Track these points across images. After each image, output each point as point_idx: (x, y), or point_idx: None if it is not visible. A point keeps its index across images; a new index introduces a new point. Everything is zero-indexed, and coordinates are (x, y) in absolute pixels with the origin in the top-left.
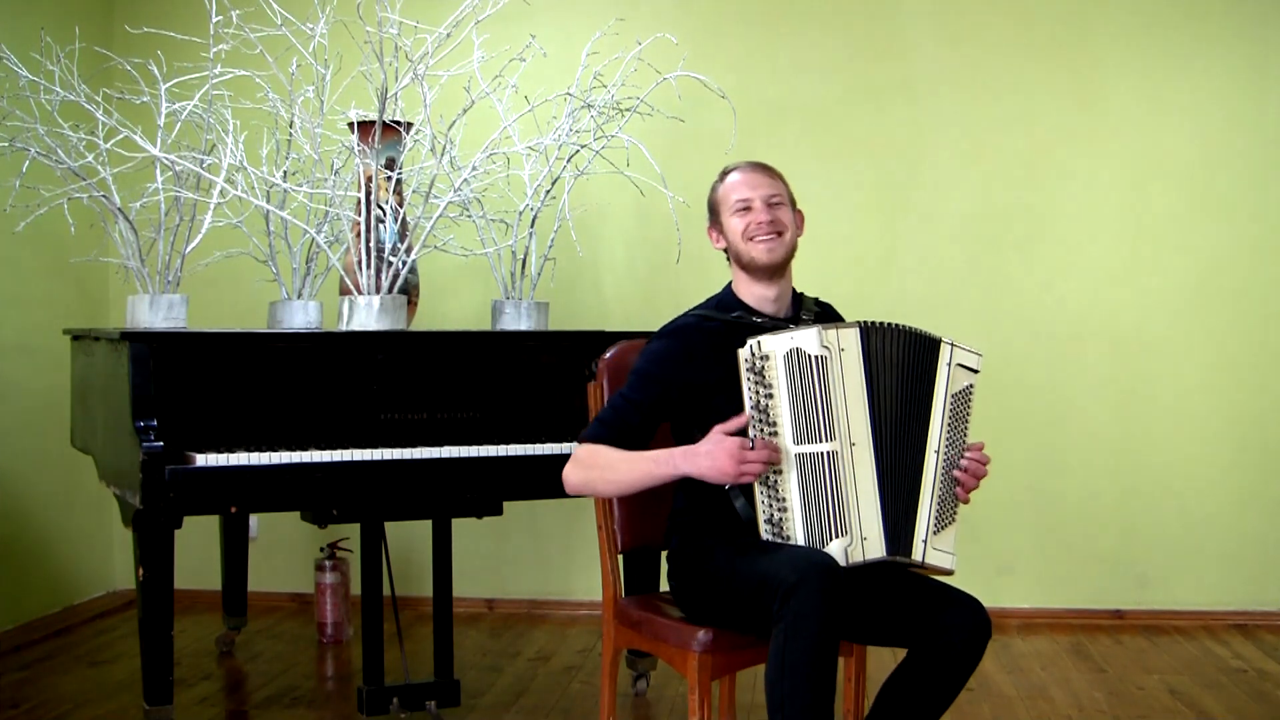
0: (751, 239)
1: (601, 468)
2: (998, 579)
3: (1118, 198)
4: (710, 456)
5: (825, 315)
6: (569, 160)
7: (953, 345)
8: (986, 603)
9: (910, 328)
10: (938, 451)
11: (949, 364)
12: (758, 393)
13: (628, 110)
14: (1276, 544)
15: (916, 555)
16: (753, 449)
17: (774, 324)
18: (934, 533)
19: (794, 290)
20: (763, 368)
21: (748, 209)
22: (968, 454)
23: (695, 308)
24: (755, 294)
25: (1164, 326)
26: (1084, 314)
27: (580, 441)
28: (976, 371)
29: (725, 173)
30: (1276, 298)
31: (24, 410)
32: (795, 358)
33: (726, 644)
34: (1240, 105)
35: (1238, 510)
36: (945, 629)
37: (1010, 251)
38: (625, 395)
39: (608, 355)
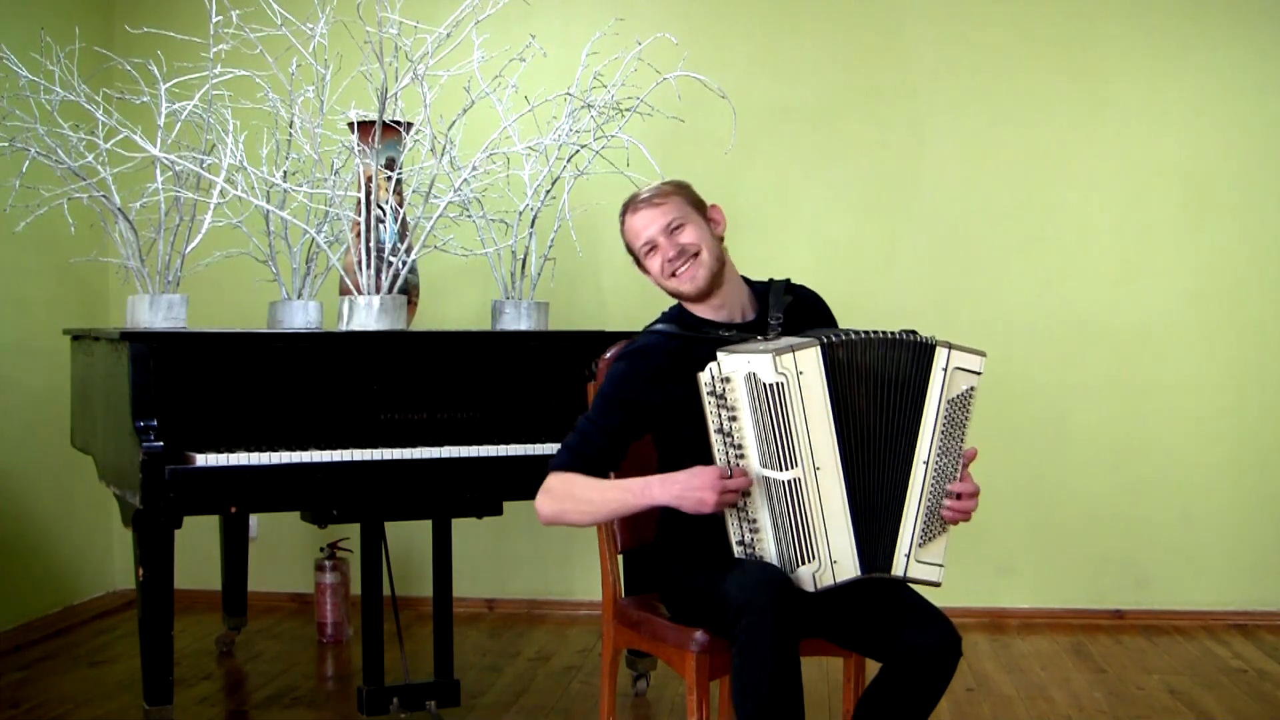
0: (672, 275)
1: (575, 499)
2: (998, 579)
3: (1118, 198)
4: (689, 486)
5: (799, 309)
6: (569, 160)
7: (950, 348)
8: (986, 603)
9: (894, 335)
10: (926, 462)
11: (945, 369)
12: (720, 415)
13: (628, 110)
14: (1276, 544)
15: (897, 570)
16: (730, 476)
17: (738, 335)
18: (919, 545)
19: (750, 285)
20: (724, 390)
21: (654, 248)
22: (950, 502)
23: (655, 321)
24: (705, 313)
25: (1164, 326)
26: (1084, 314)
27: (551, 469)
28: (979, 373)
29: (622, 214)
30: (1276, 298)
31: (24, 410)
32: (753, 382)
33: (724, 644)
34: (1240, 106)
35: (1238, 510)
36: (912, 650)
37: (1010, 252)
38: (591, 420)
39: (608, 355)
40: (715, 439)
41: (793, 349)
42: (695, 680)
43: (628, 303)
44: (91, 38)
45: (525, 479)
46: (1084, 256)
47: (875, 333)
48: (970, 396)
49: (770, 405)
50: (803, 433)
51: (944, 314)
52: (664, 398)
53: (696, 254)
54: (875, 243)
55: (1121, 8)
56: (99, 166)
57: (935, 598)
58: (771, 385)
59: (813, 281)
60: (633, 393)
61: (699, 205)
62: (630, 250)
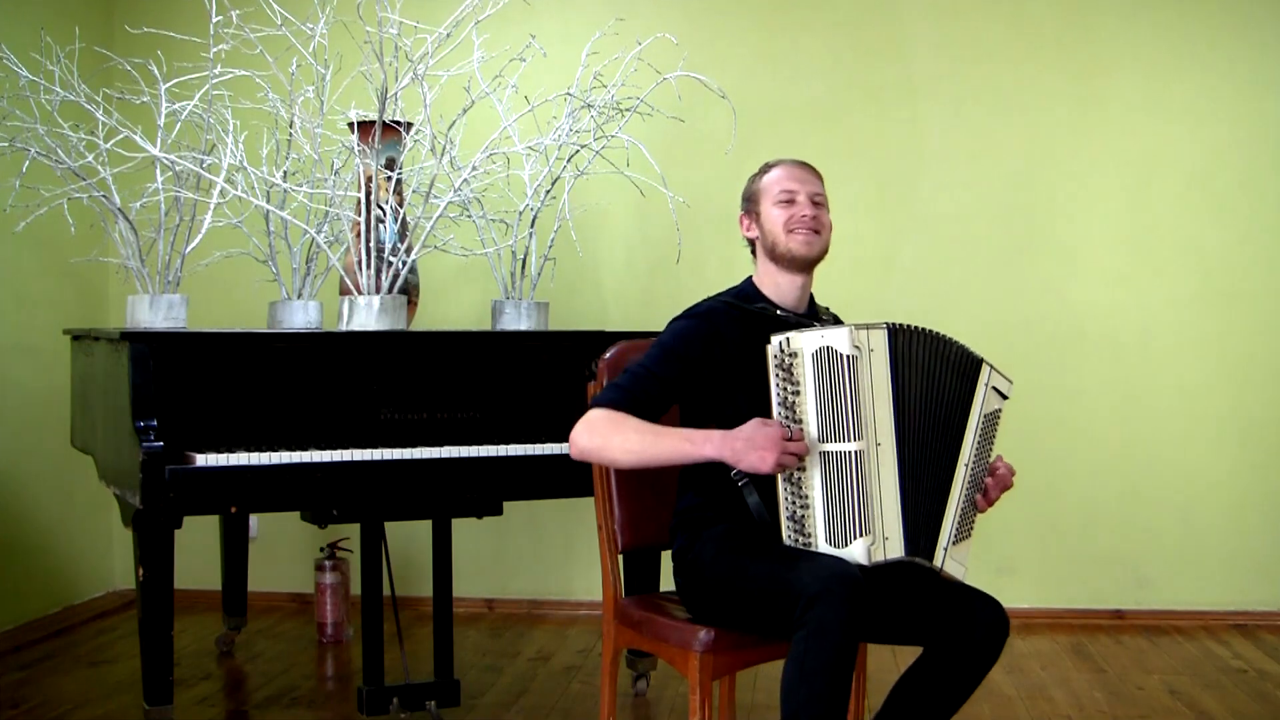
0: (792, 231)
1: (624, 435)
2: (998, 579)
3: (1118, 198)
4: (751, 442)
5: (839, 323)
6: (569, 160)
7: (991, 368)
8: None
9: (939, 335)
10: (968, 465)
11: (986, 384)
12: (785, 389)
13: (628, 110)
14: (1276, 544)
15: (937, 561)
16: (791, 439)
17: (798, 320)
18: (954, 542)
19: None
20: (790, 364)
21: (791, 201)
22: (1001, 463)
23: (716, 295)
24: (780, 287)
25: (1165, 326)
26: (1084, 314)
27: (594, 405)
28: (1007, 398)
29: (769, 165)
30: (1277, 299)
31: (24, 410)
32: (825, 355)
33: (727, 644)
34: (1240, 105)
35: (1238, 510)
36: (967, 624)
37: (1010, 252)
38: (647, 366)
39: (608, 355)
40: (776, 411)
41: (867, 327)
42: (698, 680)
43: (628, 303)
44: (91, 38)
45: (525, 479)
46: (1084, 256)
47: (930, 331)
48: (998, 417)
49: (842, 377)
50: (869, 407)
51: (944, 314)
52: (721, 361)
53: (820, 231)
54: (875, 243)
55: (1121, 7)
56: (99, 166)
57: None
58: (847, 357)
59: (813, 281)
60: (693, 349)
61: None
62: (753, 194)
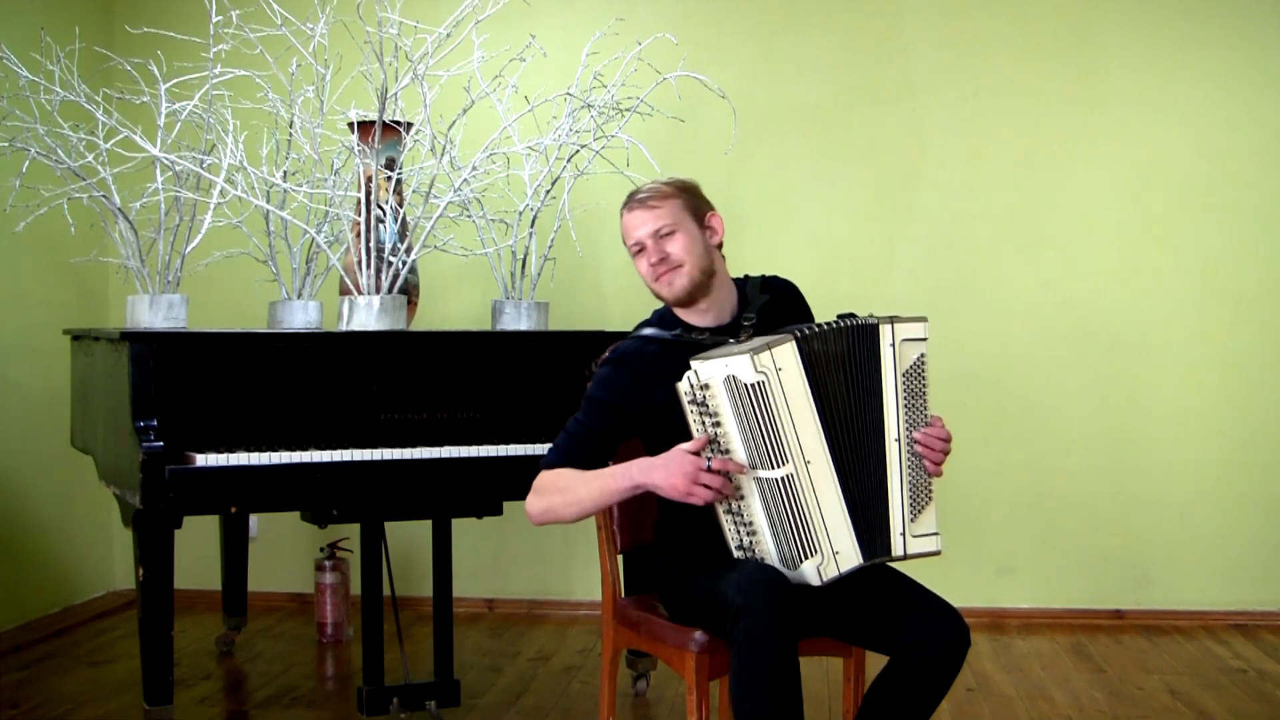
0: (654, 280)
1: (561, 490)
2: (998, 579)
3: (1118, 198)
4: (665, 470)
5: (773, 308)
6: (569, 160)
7: (893, 321)
8: (986, 603)
9: (845, 321)
10: (898, 439)
11: (893, 344)
12: (704, 422)
13: (628, 110)
14: (1276, 544)
15: (896, 551)
16: (709, 469)
17: (714, 340)
18: (911, 520)
19: (737, 282)
20: (704, 398)
21: (641, 250)
22: (919, 432)
23: (640, 325)
24: (691, 316)
25: (1164, 326)
26: (1084, 314)
27: (541, 469)
28: (925, 339)
29: (622, 209)
30: (1276, 298)
31: (24, 410)
32: (733, 384)
33: (723, 644)
34: (1240, 105)
35: (1237, 510)
36: (922, 642)
37: (1010, 252)
38: (580, 422)
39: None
40: (708, 446)
41: (769, 346)
42: (695, 680)
43: (628, 303)
44: (91, 38)
45: (525, 479)
46: (1084, 256)
47: (840, 320)
48: (922, 364)
49: (754, 405)
50: (789, 428)
51: (944, 314)
52: (647, 402)
53: (679, 265)
54: (875, 243)
55: (1121, 7)
56: (99, 166)
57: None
58: (752, 385)
59: (812, 281)
60: (616, 396)
61: (698, 212)
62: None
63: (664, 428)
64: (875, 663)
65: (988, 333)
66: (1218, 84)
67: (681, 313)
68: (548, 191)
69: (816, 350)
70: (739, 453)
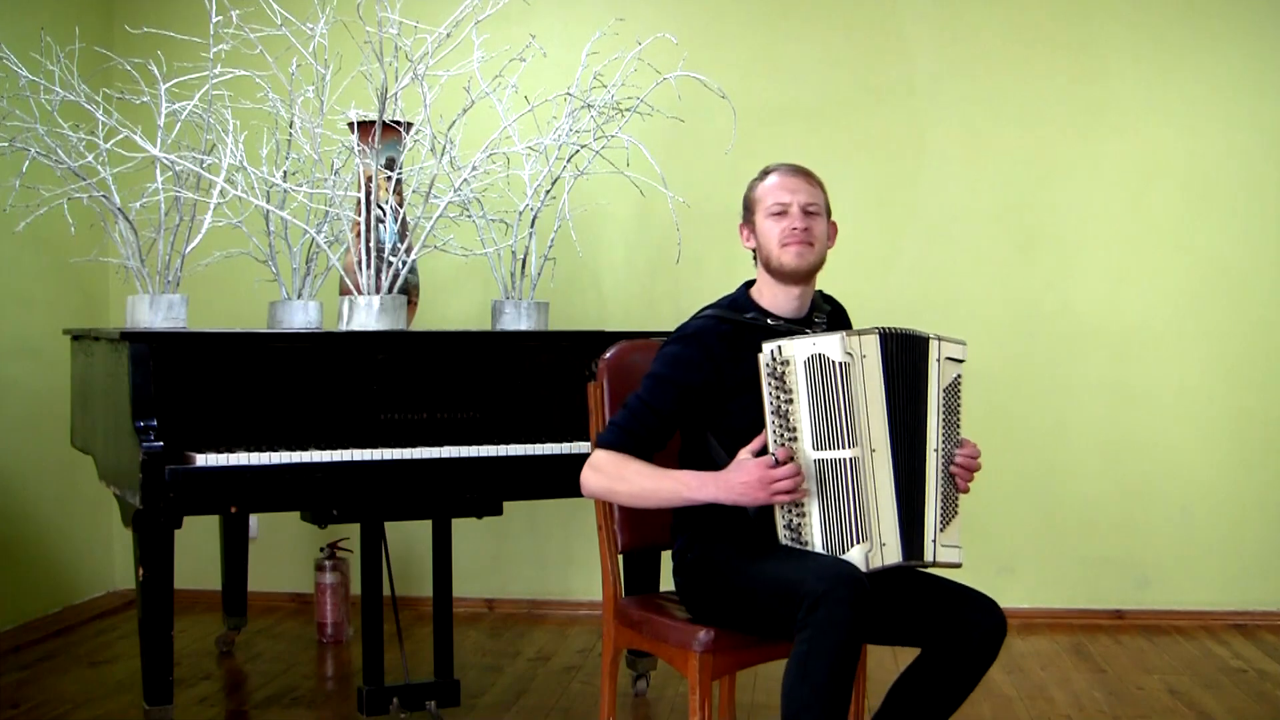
0: (785, 245)
1: (627, 481)
2: (998, 579)
3: (1118, 197)
4: (743, 485)
5: (836, 315)
6: (569, 160)
7: (939, 340)
8: None
9: (904, 329)
10: (936, 450)
11: (938, 360)
12: (778, 397)
13: (628, 110)
14: (1276, 544)
15: (928, 556)
16: (775, 465)
17: (788, 328)
18: (940, 530)
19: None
20: (783, 372)
21: (783, 213)
22: (959, 451)
23: (707, 308)
24: (776, 298)
25: (1165, 326)
26: (1084, 314)
27: (599, 446)
28: (963, 361)
29: (765, 172)
30: (1276, 298)
31: (24, 410)
32: (817, 363)
33: (727, 644)
34: (1240, 105)
35: (1238, 510)
36: (964, 627)
37: (1011, 252)
38: (643, 399)
39: (608, 355)
40: (770, 420)
41: (859, 334)
42: (698, 680)
43: (628, 303)
44: (91, 38)
45: (525, 479)
46: (1083, 256)
47: (909, 330)
48: (959, 384)
49: (835, 384)
50: (863, 413)
51: (944, 314)
52: (714, 380)
53: (813, 243)
54: (875, 243)
55: (1121, 8)
56: (99, 166)
57: None
58: (839, 364)
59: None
60: (685, 375)
61: (829, 210)
62: (749, 203)
63: (722, 410)
64: (875, 662)
65: (988, 333)
66: (1218, 84)
67: (764, 298)
68: (548, 191)
69: (893, 351)
70: (804, 431)
